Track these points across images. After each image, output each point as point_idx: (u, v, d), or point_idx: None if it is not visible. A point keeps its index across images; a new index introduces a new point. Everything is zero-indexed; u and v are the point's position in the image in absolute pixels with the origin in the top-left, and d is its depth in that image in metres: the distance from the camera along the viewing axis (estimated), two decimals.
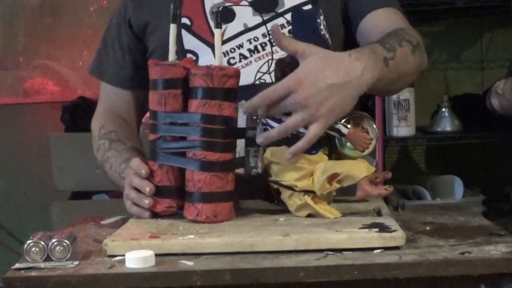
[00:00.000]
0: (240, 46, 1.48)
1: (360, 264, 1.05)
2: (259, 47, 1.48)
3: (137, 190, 1.31)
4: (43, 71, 3.49)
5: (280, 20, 1.47)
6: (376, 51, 1.24)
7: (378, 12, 1.51)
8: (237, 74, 1.26)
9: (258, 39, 1.48)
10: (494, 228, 1.24)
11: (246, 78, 1.45)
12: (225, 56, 1.48)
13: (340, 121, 1.31)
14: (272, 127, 1.28)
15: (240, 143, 1.27)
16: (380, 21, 1.49)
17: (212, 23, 1.50)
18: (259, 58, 1.47)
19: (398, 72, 1.31)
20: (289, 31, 1.47)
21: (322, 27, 1.29)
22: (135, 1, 1.59)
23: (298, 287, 1.05)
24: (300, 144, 1.17)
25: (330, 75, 1.15)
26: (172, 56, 1.32)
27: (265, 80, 1.45)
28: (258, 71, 1.46)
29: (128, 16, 1.59)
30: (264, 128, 1.29)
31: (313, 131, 1.16)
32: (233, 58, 1.48)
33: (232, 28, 1.49)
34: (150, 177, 1.29)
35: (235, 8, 1.49)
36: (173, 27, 1.32)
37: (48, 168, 2.99)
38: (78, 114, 3.06)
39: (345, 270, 1.04)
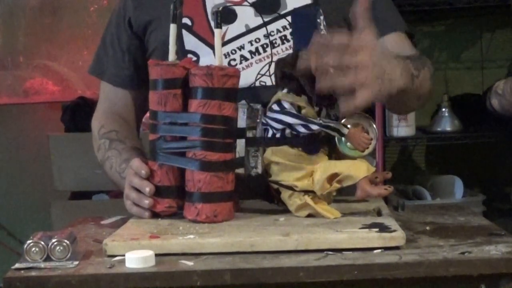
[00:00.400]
0: (241, 47, 1.48)
1: (360, 264, 1.05)
2: (260, 49, 1.47)
3: (137, 190, 1.31)
4: (43, 71, 3.49)
5: (282, 22, 1.47)
6: (407, 65, 1.26)
7: (390, 38, 1.52)
8: (237, 74, 1.26)
9: (259, 40, 1.47)
10: (494, 228, 1.24)
11: (247, 79, 1.45)
12: (226, 57, 1.48)
13: (340, 121, 1.31)
14: (272, 127, 1.28)
15: (240, 143, 1.27)
16: (393, 46, 1.50)
17: (213, 24, 1.49)
18: (260, 60, 1.47)
19: (417, 92, 1.34)
20: (290, 33, 1.47)
21: (322, 27, 1.29)
22: (135, 1, 1.58)
23: (298, 287, 1.05)
24: (357, 101, 1.15)
25: (385, 62, 1.17)
26: (172, 56, 1.32)
27: (265, 82, 1.45)
28: (258, 73, 1.46)
29: (128, 15, 1.59)
30: (264, 128, 1.29)
31: (367, 93, 1.14)
32: (234, 59, 1.47)
33: (233, 29, 1.49)
34: (150, 177, 1.29)
35: (237, 9, 1.49)
36: (173, 27, 1.32)
37: (48, 168, 2.99)
38: (78, 114, 3.06)
39: (345, 270, 1.04)
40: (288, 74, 1.28)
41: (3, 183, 3.42)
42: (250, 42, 1.48)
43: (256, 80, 1.45)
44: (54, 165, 2.96)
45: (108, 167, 1.55)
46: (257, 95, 1.41)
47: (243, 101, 1.30)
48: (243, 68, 1.47)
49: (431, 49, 3.17)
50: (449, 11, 3.03)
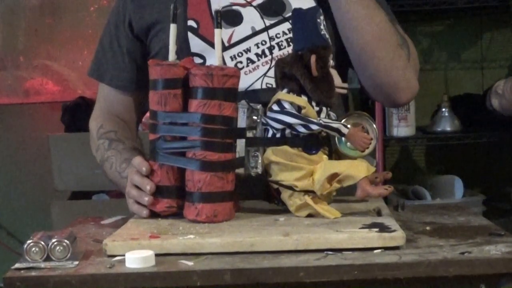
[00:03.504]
0: (248, 50, 1.48)
1: (360, 264, 1.05)
2: (267, 51, 1.47)
3: (138, 188, 1.31)
4: (43, 71, 3.49)
5: (287, 24, 1.47)
6: None
7: None
8: (237, 74, 1.26)
9: (265, 43, 1.47)
10: (494, 228, 1.24)
11: (254, 82, 1.45)
12: (232, 60, 1.47)
13: (340, 121, 1.31)
14: (272, 127, 1.28)
15: (240, 143, 1.27)
16: None
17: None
18: (266, 63, 1.47)
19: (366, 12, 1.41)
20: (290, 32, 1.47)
21: (322, 27, 1.29)
22: (136, 2, 1.57)
23: (298, 287, 1.05)
24: None
25: None
26: (172, 56, 1.32)
27: (272, 84, 1.45)
28: (265, 75, 1.46)
29: (128, 17, 1.58)
30: (264, 128, 1.29)
31: None
32: (241, 62, 1.47)
33: (239, 31, 1.48)
34: (150, 176, 1.29)
35: (243, 11, 1.48)
36: (173, 27, 1.32)
37: (48, 168, 2.99)
38: (78, 114, 3.06)
39: (345, 270, 1.04)
40: (288, 74, 1.28)
41: (3, 183, 3.42)
42: (257, 44, 1.47)
43: (262, 82, 1.45)
44: (54, 165, 2.96)
45: (107, 167, 1.55)
46: (263, 98, 1.41)
47: (243, 101, 1.30)
48: (250, 71, 1.47)
49: (431, 49, 3.17)
50: (449, 11, 3.03)
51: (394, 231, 1.13)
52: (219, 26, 1.29)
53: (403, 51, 1.45)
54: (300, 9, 1.34)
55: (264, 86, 1.46)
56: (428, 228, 1.26)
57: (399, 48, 1.44)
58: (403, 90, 1.47)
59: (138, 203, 1.31)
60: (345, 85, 1.39)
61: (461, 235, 1.20)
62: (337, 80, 1.33)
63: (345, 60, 1.53)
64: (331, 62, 1.30)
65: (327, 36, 1.30)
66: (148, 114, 1.34)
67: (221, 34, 1.30)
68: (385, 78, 1.45)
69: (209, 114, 1.23)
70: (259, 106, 1.29)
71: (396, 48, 1.43)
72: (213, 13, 1.47)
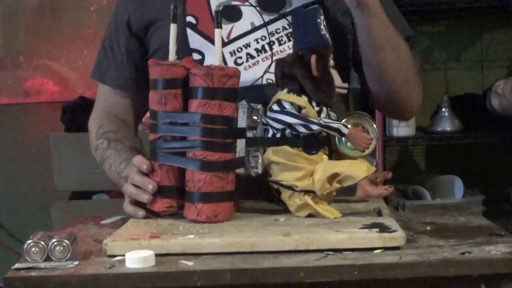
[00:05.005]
0: (247, 45, 1.48)
1: (360, 264, 1.05)
2: (266, 47, 1.47)
3: (137, 187, 1.30)
4: (43, 71, 3.49)
5: (287, 20, 1.47)
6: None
7: None
8: (237, 74, 1.26)
9: (265, 38, 1.47)
10: (494, 228, 1.24)
11: (254, 77, 1.45)
12: (232, 55, 1.47)
13: (340, 121, 1.31)
14: (272, 127, 1.28)
15: (240, 143, 1.27)
16: None
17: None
18: (267, 58, 1.47)
19: (386, 35, 1.39)
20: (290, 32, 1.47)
21: (322, 27, 1.29)
22: (137, 1, 1.57)
23: (298, 287, 1.05)
24: None
25: None
26: (172, 56, 1.32)
27: (272, 80, 1.45)
28: (265, 71, 1.46)
29: (127, 16, 1.58)
30: (264, 128, 1.30)
31: None
32: (240, 57, 1.47)
33: (239, 27, 1.49)
34: (150, 175, 1.29)
35: (242, 7, 1.49)
36: (173, 27, 1.32)
37: (48, 168, 3.00)
38: (78, 114, 3.06)
39: (345, 270, 1.04)
40: (288, 74, 1.28)
41: (3, 183, 3.42)
42: (256, 40, 1.48)
43: (262, 78, 1.45)
44: (54, 165, 2.96)
45: (107, 167, 1.55)
46: (264, 93, 1.41)
47: (243, 101, 1.30)
48: (250, 66, 1.47)
49: (431, 49, 3.17)
50: (449, 11, 3.03)
51: (394, 231, 1.13)
52: (219, 26, 1.29)
53: (419, 79, 1.52)
54: (300, 9, 1.34)
55: (265, 82, 1.46)
56: (428, 228, 1.26)
57: (416, 78, 1.51)
58: (411, 112, 1.60)
59: (134, 203, 1.31)
60: (345, 85, 1.39)
61: (461, 235, 1.20)
62: (337, 80, 1.33)
63: (346, 62, 1.53)
64: (331, 62, 1.30)
65: (327, 36, 1.30)
66: (148, 114, 1.34)
67: (221, 34, 1.30)
68: (400, 103, 1.53)
69: (209, 114, 1.23)
70: (259, 106, 1.29)
71: (414, 79, 1.50)
72: (212, 11, 1.48)
